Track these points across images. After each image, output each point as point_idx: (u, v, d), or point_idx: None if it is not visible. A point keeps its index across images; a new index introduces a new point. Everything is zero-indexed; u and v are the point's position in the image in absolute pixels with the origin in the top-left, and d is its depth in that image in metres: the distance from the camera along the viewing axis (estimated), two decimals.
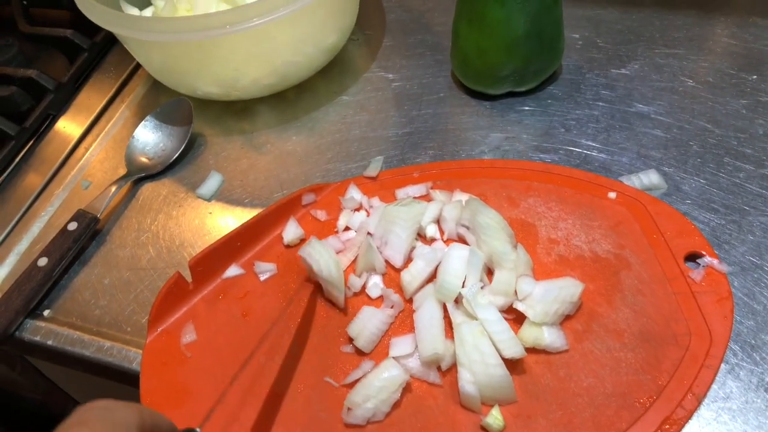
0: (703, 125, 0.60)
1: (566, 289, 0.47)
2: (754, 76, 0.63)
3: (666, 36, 0.68)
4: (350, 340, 0.49)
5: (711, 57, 0.65)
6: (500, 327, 0.46)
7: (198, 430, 0.41)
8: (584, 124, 0.61)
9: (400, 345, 0.48)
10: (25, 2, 0.82)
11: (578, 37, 0.69)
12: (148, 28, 0.57)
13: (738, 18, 0.68)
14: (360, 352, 0.49)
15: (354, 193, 0.58)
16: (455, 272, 0.48)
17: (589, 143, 0.60)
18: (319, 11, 0.62)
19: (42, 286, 0.56)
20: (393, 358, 0.47)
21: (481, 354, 0.44)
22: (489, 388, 0.44)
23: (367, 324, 0.48)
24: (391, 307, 0.50)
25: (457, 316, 0.47)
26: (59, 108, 0.73)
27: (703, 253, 0.50)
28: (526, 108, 0.64)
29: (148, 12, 0.72)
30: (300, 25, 0.61)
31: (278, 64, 0.63)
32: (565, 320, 0.48)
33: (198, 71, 0.63)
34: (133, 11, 0.71)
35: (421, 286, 0.50)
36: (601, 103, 0.63)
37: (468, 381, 0.44)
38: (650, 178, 0.56)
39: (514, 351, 0.45)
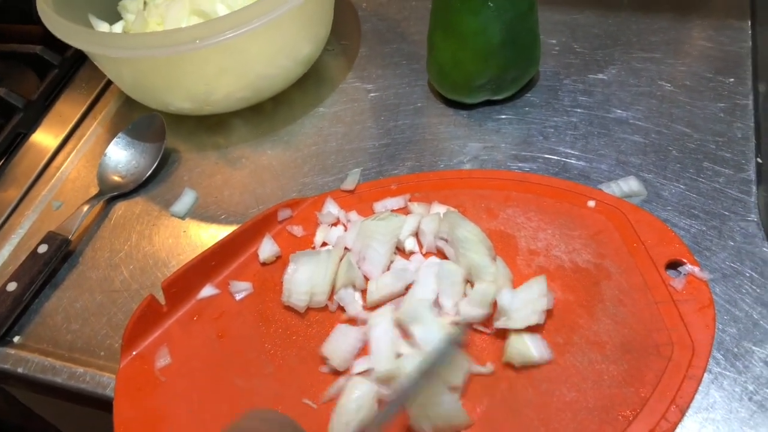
0: (682, 130, 0.59)
1: (534, 285, 0.47)
2: (731, 79, 0.62)
3: (643, 40, 0.67)
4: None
5: (688, 60, 0.65)
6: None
7: None
8: (562, 131, 0.61)
9: (362, 362, 0.47)
10: None
11: (555, 42, 0.68)
12: (116, 45, 0.56)
13: (714, 20, 0.68)
14: (337, 371, 0.47)
15: (331, 208, 0.57)
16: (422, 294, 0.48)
17: (568, 151, 0.59)
18: (293, 23, 0.61)
19: (11, 312, 0.54)
20: (355, 375, 0.46)
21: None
22: (440, 418, 0.43)
23: (341, 343, 0.47)
24: (365, 323, 0.49)
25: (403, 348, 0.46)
26: (29, 126, 0.71)
27: (684, 260, 0.49)
28: (504, 116, 0.63)
29: (118, 26, 0.71)
30: (273, 37, 0.60)
31: (252, 78, 0.62)
32: (546, 333, 0.47)
33: (169, 87, 0.62)
34: (103, 26, 0.69)
35: (384, 301, 0.50)
36: (579, 110, 0.62)
37: (417, 417, 0.43)
38: (630, 185, 0.55)
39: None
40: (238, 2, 0.66)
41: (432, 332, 0.46)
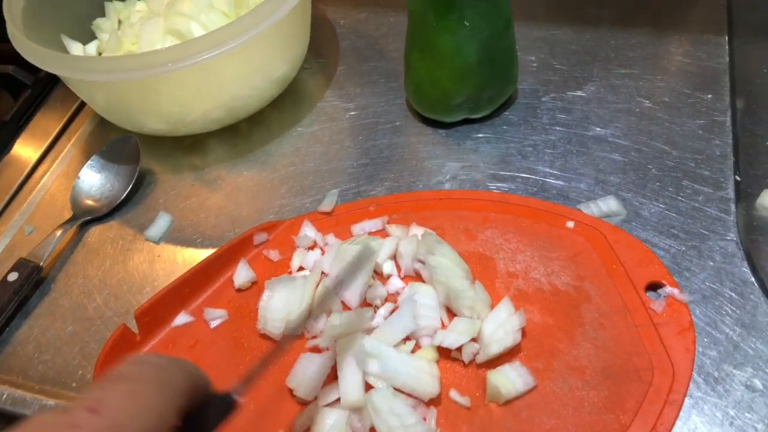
0: (661, 147, 0.59)
1: (501, 307, 0.47)
2: (709, 96, 0.62)
3: (621, 56, 0.67)
4: None
5: (666, 76, 0.64)
6: (405, 367, 0.45)
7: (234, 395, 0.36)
8: (541, 150, 0.60)
9: (329, 393, 0.46)
10: None
11: (533, 59, 0.68)
12: (89, 68, 0.55)
13: (691, 36, 0.68)
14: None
15: (308, 231, 0.56)
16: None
17: (546, 170, 0.59)
18: (268, 42, 0.60)
19: None
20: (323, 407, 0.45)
21: (399, 417, 0.42)
22: None
23: (306, 372, 0.46)
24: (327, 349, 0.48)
25: (371, 378, 0.45)
26: (1, 148, 0.70)
27: (664, 282, 0.49)
28: (482, 135, 0.62)
29: (92, 46, 0.70)
30: (248, 57, 0.59)
31: (227, 99, 0.61)
32: (525, 358, 0.47)
33: (143, 109, 0.61)
34: (77, 46, 0.68)
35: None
36: (557, 128, 0.62)
37: None
38: (609, 204, 0.55)
39: (431, 389, 0.44)
40: (213, 22, 0.65)
41: (398, 365, 0.45)
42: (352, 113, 0.67)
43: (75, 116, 0.72)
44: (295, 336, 0.50)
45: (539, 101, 0.64)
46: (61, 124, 0.71)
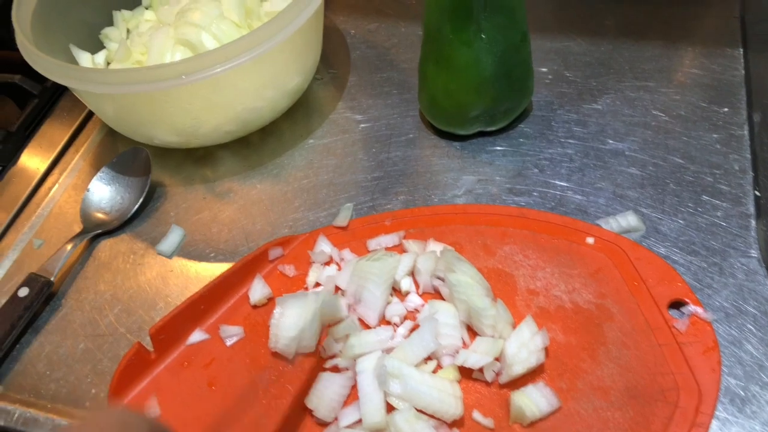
0: (678, 162, 0.58)
1: (524, 327, 0.46)
2: (725, 109, 0.62)
3: (635, 68, 0.67)
4: None
5: (681, 89, 0.64)
6: (428, 388, 0.44)
7: None
8: (558, 163, 0.60)
9: (350, 413, 0.45)
10: None
11: (547, 71, 0.67)
12: (101, 81, 0.54)
13: (705, 48, 0.67)
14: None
15: (323, 246, 0.55)
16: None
17: (564, 184, 0.58)
18: (281, 55, 0.59)
19: None
20: (344, 428, 0.44)
21: None
22: None
23: (325, 392, 0.45)
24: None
25: (392, 399, 0.45)
26: (8, 159, 0.69)
27: (687, 300, 0.48)
28: (498, 148, 0.62)
29: (100, 56, 0.69)
30: (261, 70, 0.58)
31: (239, 111, 0.60)
32: (549, 378, 0.46)
33: (154, 121, 0.60)
34: (85, 56, 0.68)
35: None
36: (573, 141, 0.61)
37: None
38: (628, 220, 0.54)
39: (454, 410, 0.43)
40: (224, 32, 0.64)
41: (420, 386, 0.44)
42: (365, 125, 0.66)
43: (83, 126, 0.71)
44: (311, 354, 0.49)
45: (554, 114, 0.64)
46: (68, 135, 0.70)
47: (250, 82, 0.58)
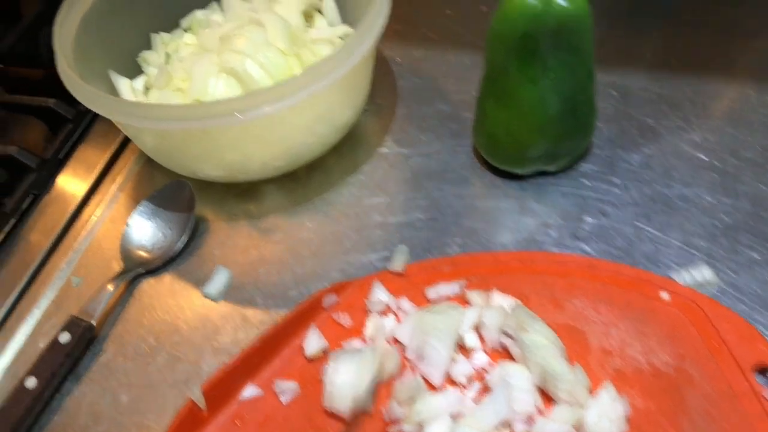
0: (750, 209, 0.56)
1: (603, 393, 0.44)
2: None
3: (698, 105, 0.64)
4: None
5: (749, 130, 0.61)
6: None
7: None
8: (622, 207, 0.57)
9: None
10: (1, 66, 0.76)
11: (608, 106, 0.65)
12: (146, 116, 0.51)
13: None
14: None
15: (380, 294, 0.52)
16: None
17: (630, 230, 0.56)
18: (335, 90, 0.57)
19: (30, 411, 0.49)
20: None
21: None
22: None
23: None
24: None
25: None
26: (42, 187, 0.66)
27: None
28: (559, 189, 0.59)
29: (139, 82, 0.67)
30: (315, 106, 0.56)
31: (289, 146, 0.58)
32: None
33: (200, 156, 0.57)
34: (124, 82, 0.65)
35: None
36: (637, 183, 0.59)
37: None
38: (702, 273, 0.52)
39: None
40: (271, 60, 0.61)
41: None
42: (415, 160, 0.63)
43: (119, 154, 0.69)
44: (372, 414, 0.46)
45: (615, 153, 0.61)
46: (104, 162, 0.68)
47: (303, 118, 0.56)
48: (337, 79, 0.52)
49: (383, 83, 0.71)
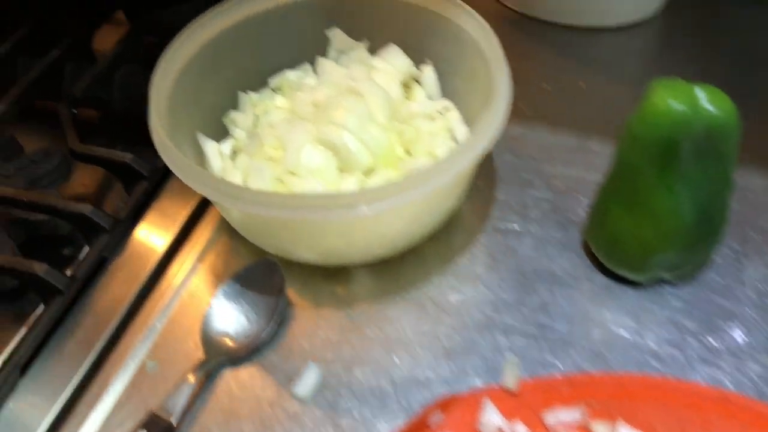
0: None
1: None
2: None
3: None
4: None
5: None
6: None
7: None
8: (755, 329, 0.52)
9: None
10: (74, 111, 0.72)
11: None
12: (250, 200, 0.47)
13: None
14: None
15: (492, 416, 0.47)
16: None
17: (766, 359, 0.50)
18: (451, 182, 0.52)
19: None
20: None
21: None
22: None
23: None
24: None
25: None
26: (113, 251, 0.61)
27: None
28: (681, 301, 0.54)
29: (227, 145, 0.63)
30: (428, 198, 0.51)
31: (394, 236, 0.53)
32: None
33: (296, 240, 0.53)
34: (212, 146, 0.61)
35: None
36: None
37: None
38: None
39: None
40: (371, 134, 0.58)
41: None
42: (520, 253, 0.59)
43: (197, 218, 0.64)
44: None
45: (741, 264, 0.56)
46: (180, 227, 0.63)
47: (414, 208, 0.52)
48: (460, 172, 0.48)
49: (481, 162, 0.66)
